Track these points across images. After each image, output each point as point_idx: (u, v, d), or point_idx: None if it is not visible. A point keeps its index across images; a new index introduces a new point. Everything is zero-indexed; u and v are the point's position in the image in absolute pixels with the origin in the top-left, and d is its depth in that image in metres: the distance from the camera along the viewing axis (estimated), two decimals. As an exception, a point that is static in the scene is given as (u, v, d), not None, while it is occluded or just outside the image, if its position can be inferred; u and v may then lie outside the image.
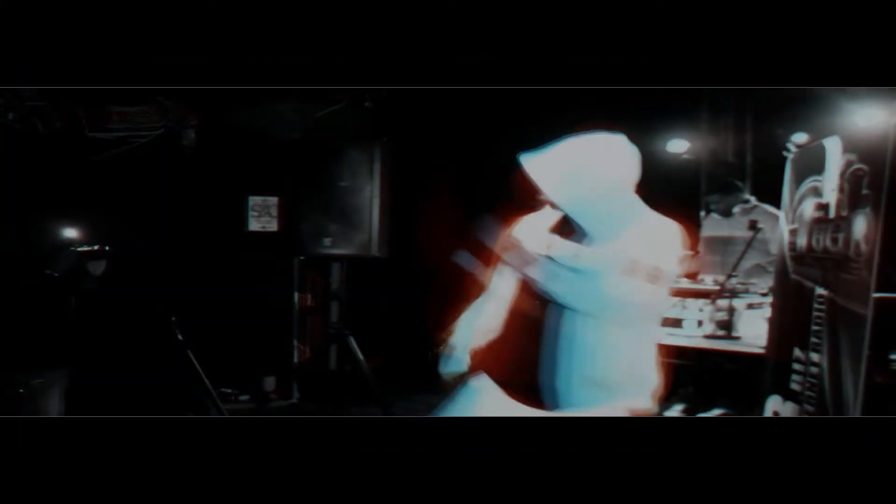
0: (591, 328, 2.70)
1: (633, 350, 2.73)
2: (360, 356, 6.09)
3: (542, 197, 2.81)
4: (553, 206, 2.83)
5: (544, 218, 2.91)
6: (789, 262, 4.54)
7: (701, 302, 5.30)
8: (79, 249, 5.04)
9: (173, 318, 5.36)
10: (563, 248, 2.81)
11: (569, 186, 2.75)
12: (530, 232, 2.91)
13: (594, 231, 2.74)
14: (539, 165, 2.76)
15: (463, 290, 3.11)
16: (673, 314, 5.40)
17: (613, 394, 2.70)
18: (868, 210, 3.64)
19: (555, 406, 2.72)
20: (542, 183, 2.76)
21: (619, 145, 2.82)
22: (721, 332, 5.19)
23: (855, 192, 3.79)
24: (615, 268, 2.68)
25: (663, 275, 2.69)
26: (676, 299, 5.42)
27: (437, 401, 3.03)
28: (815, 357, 4.03)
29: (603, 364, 2.70)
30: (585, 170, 2.75)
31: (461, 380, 3.00)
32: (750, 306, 5.26)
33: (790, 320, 4.44)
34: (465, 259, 3.02)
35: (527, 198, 2.89)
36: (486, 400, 2.86)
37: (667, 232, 2.81)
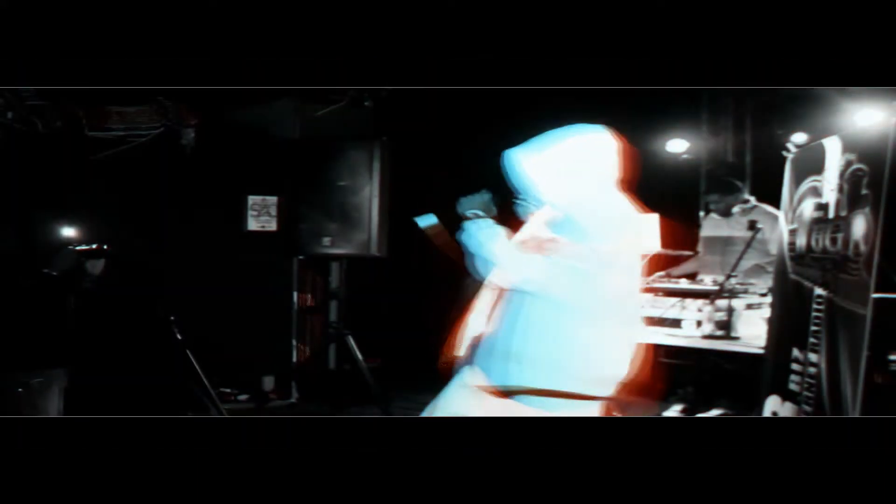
0: (534, 309, 2.78)
1: (585, 336, 2.76)
2: (360, 356, 6.09)
3: (524, 195, 2.88)
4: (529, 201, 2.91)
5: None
6: (788, 263, 4.54)
7: (700, 302, 5.29)
8: (78, 248, 5.03)
9: (173, 318, 5.36)
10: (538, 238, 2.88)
11: (558, 182, 2.79)
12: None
13: (581, 223, 2.77)
14: (524, 161, 2.81)
15: (462, 290, 3.12)
16: (672, 314, 5.40)
17: (539, 372, 2.75)
18: (867, 210, 3.64)
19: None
20: (531, 179, 2.81)
21: (603, 139, 2.87)
22: (720, 333, 5.19)
23: (854, 192, 3.79)
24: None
25: (553, 247, 2.76)
26: (675, 299, 5.42)
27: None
28: (813, 357, 4.03)
29: (524, 340, 2.76)
30: (573, 165, 2.80)
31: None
32: (749, 307, 5.26)
33: (789, 321, 4.44)
34: (426, 222, 3.07)
35: (511, 195, 2.94)
36: (471, 394, 2.89)
37: (645, 222, 2.90)
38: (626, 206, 2.88)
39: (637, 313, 3.03)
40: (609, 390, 2.84)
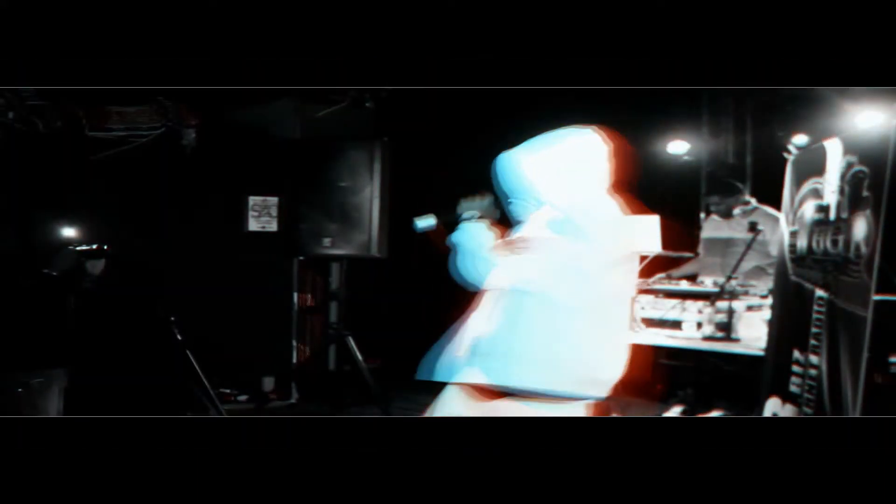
0: (529, 309, 2.77)
1: (579, 336, 2.75)
2: (359, 356, 6.09)
3: (520, 196, 2.89)
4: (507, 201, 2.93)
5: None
6: (789, 264, 4.54)
7: (700, 304, 5.30)
8: (78, 249, 5.03)
9: (173, 319, 5.35)
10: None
11: (555, 182, 2.81)
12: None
13: (575, 223, 2.78)
14: (522, 162, 2.83)
15: (462, 291, 3.12)
16: (672, 316, 5.40)
17: (535, 372, 2.73)
18: (868, 212, 3.64)
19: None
20: (528, 179, 2.82)
21: (594, 141, 2.88)
22: (720, 334, 5.19)
23: (855, 194, 3.79)
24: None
25: (546, 247, 2.77)
26: (676, 301, 5.42)
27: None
28: (814, 359, 4.03)
29: (520, 340, 2.75)
30: (566, 166, 2.82)
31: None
32: (749, 308, 5.26)
33: (790, 322, 4.44)
34: (425, 223, 3.09)
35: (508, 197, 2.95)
36: (468, 395, 2.89)
37: (645, 223, 2.92)
38: (615, 208, 2.89)
39: (630, 315, 3.03)
40: (604, 391, 2.84)
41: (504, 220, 3.03)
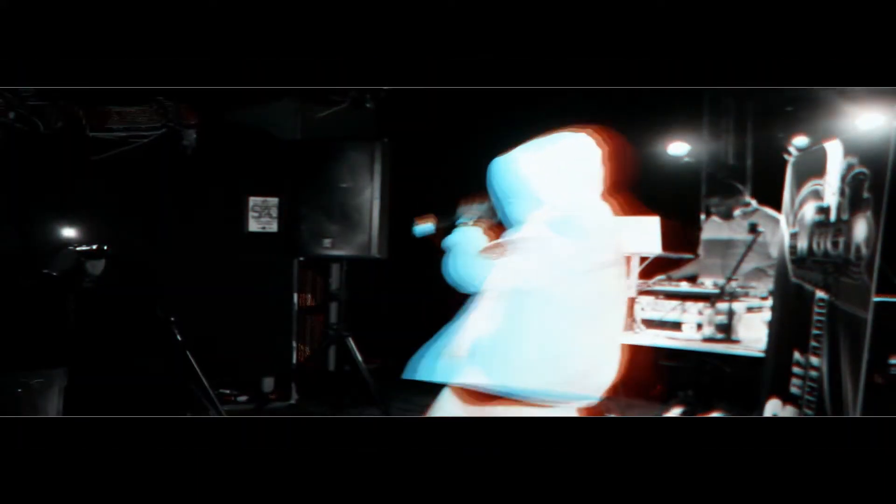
0: (524, 311, 2.76)
1: (572, 338, 2.75)
2: (359, 357, 6.09)
3: (515, 198, 2.88)
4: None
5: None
6: (789, 266, 4.54)
7: (700, 305, 5.29)
8: (78, 249, 5.03)
9: (173, 319, 5.35)
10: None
11: (551, 183, 2.81)
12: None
13: (570, 224, 2.78)
14: (520, 163, 2.82)
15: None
16: (672, 317, 5.40)
17: (529, 373, 2.72)
18: (869, 214, 3.63)
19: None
20: (526, 180, 2.82)
21: (587, 145, 2.88)
22: (720, 336, 5.19)
23: (856, 195, 3.79)
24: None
25: (522, 247, 2.78)
26: (676, 302, 5.42)
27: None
28: (814, 360, 4.03)
29: (513, 342, 2.74)
30: (560, 168, 2.81)
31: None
32: (749, 310, 5.26)
33: (790, 324, 4.44)
34: (424, 228, 3.10)
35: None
36: (456, 401, 2.89)
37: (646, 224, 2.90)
38: (607, 212, 2.89)
39: (626, 316, 3.02)
40: (597, 394, 2.83)
41: (503, 224, 3.02)
